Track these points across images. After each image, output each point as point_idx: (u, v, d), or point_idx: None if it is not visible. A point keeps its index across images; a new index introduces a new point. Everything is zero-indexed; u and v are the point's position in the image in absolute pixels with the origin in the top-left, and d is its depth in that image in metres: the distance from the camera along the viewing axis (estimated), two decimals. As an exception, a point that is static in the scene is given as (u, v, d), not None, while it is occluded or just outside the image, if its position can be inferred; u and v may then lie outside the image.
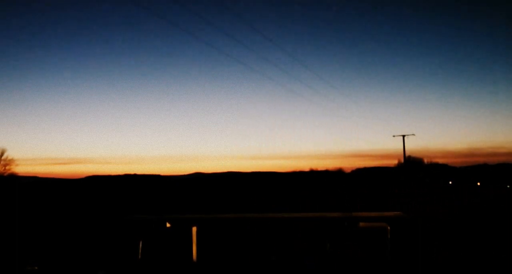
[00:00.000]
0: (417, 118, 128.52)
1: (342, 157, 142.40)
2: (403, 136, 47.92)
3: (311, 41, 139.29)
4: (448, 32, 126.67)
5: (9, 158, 47.62)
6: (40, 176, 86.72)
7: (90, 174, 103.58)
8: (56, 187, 48.26)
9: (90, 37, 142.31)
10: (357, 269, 6.59)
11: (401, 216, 6.97)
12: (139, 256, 7.23)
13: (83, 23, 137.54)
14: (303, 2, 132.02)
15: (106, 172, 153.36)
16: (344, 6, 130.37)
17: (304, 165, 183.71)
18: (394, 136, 48.92)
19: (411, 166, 64.44)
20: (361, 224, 6.84)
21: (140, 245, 7.27)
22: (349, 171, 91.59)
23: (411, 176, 56.33)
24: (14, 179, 46.46)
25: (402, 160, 54.81)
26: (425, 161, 79.12)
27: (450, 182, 65.88)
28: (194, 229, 7.22)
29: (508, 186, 51.60)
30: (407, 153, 52.44)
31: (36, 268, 9.86)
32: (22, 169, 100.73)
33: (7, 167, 47.16)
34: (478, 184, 61.07)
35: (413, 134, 49.57)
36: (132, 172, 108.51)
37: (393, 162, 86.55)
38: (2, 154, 47.09)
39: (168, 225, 7.35)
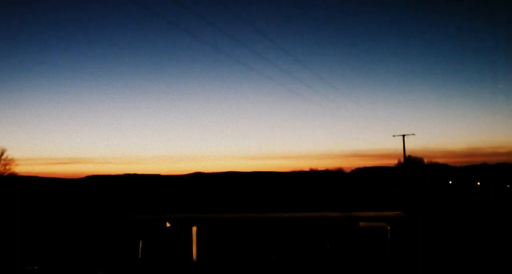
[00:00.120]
0: (417, 118, 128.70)
1: (342, 157, 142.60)
2: (403, 136, 48.03)
3: (311, 41, 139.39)
4: (448, 32, 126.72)
5: (9, 157, 47.83)
6: (40, 175, 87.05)
7: (90, 174, 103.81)
8: (56, 187, 48.29)
9: (90, 37, 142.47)
10: (357, 269, 6.60)
11: (401, 216, 6.97)
12: (139, 256, 7.24)
13: (83, 23, 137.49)
14: (303, 2, 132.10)
15: (106, 172, 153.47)
16: (344, 6, 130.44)
17: (304, 165, 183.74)
18: (394, 136, 49.05)
19: (411, 166, 64.48)
20: (361, 223, 6.85)
21: (140, 245, 7.27)
22: (349, 170, 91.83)
23: (411, 175, 56.35)
24: (14, 178, 46.56)
25: (402, 160, 54.90)
26: (425, 160, 79.29)
27: (450, 182, 65.89)
28: (194, 228, 7.22)
29: (508, 186, 51.61)
30: (407, 153, 52.56)
31: (36, 268, 9.85)
32: (22, 168, 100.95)
33: (7, 167, 47.33)
34: (478, 183, 61.05)
35: (413, 134, 49.77)
36: (132, 172, 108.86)
37: (393, 162, 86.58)
38: (2, 153, 47.23)
39: (168, 224, 7.35)
